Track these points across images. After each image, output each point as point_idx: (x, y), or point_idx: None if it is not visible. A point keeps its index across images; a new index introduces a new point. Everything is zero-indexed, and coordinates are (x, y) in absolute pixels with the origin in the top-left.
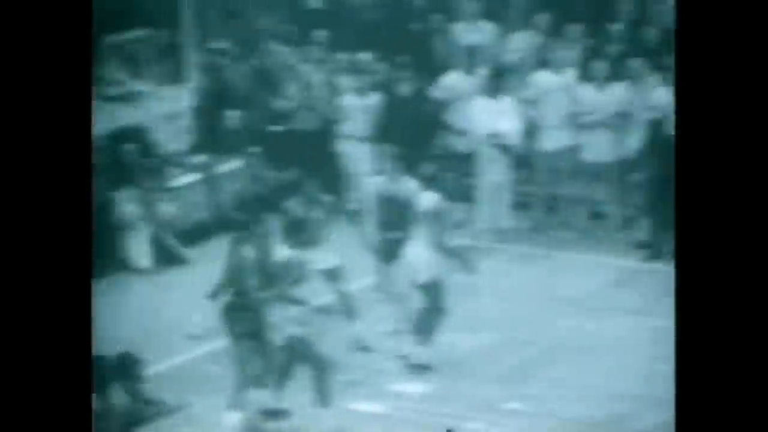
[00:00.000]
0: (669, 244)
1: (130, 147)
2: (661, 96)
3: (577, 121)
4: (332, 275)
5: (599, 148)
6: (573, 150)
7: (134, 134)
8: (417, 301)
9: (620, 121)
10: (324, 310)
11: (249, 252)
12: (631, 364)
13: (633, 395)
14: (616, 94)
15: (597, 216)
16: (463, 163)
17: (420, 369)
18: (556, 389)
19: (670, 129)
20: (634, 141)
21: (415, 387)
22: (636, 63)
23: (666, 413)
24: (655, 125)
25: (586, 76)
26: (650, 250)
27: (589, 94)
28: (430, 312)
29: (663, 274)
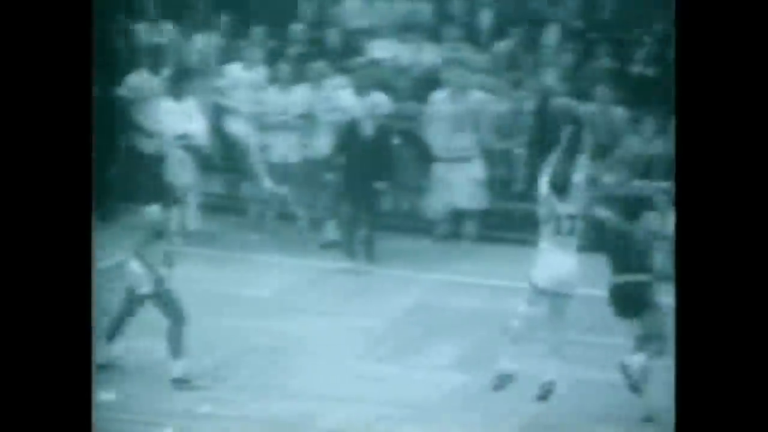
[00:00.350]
0: (356, 244)
1: None
2: (345, 98)
3: (263, 122)
4: None
5: (286, 149)
6: (260, 150)
7: None
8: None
9: (305, 122)
10: None
11: None
12: (321, 363)
13: (321, 394)
14: (300, 95)
15: (285, 217)
16: (152, 164)
17: (109, 375)
18: (248, 391)
19: (363, 130)
20: (320, 142)
21: (105, 394)
22: (318, 65)
23: (352, 409)
24: (341, 127)
25: (270, 77)
26: (338, 250)
27: (273, 95)
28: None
29: (352, 274)
